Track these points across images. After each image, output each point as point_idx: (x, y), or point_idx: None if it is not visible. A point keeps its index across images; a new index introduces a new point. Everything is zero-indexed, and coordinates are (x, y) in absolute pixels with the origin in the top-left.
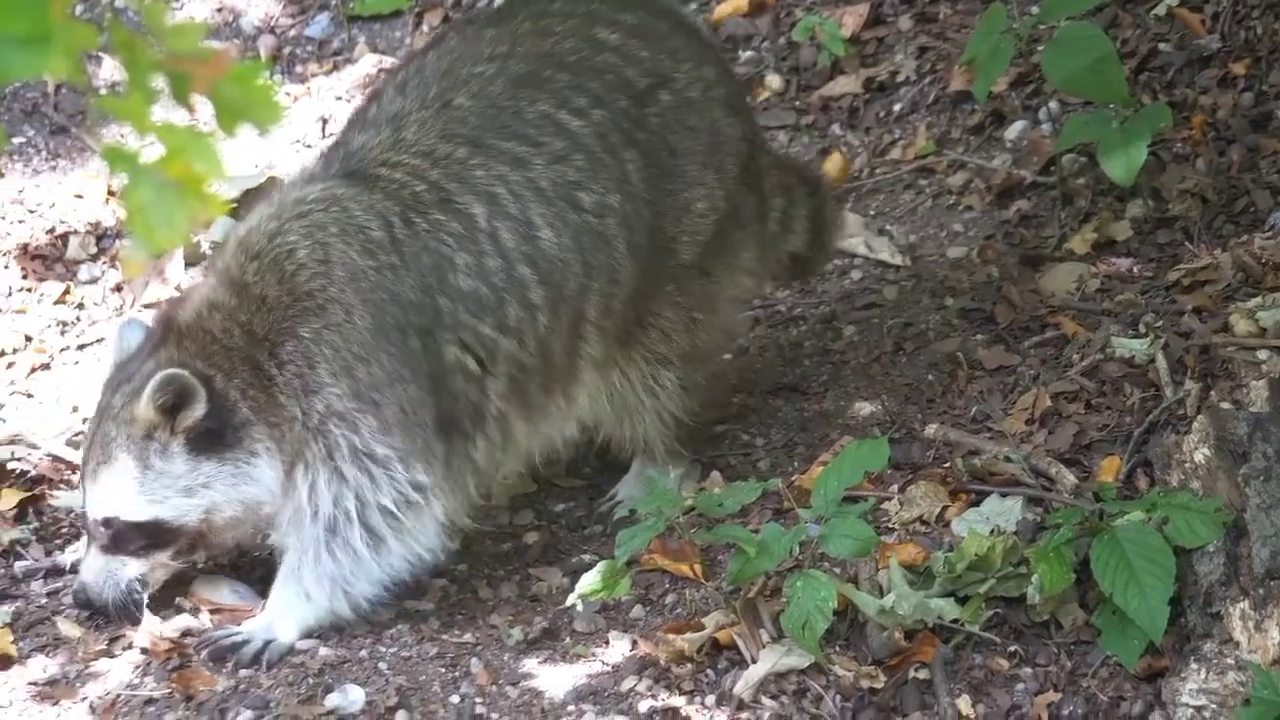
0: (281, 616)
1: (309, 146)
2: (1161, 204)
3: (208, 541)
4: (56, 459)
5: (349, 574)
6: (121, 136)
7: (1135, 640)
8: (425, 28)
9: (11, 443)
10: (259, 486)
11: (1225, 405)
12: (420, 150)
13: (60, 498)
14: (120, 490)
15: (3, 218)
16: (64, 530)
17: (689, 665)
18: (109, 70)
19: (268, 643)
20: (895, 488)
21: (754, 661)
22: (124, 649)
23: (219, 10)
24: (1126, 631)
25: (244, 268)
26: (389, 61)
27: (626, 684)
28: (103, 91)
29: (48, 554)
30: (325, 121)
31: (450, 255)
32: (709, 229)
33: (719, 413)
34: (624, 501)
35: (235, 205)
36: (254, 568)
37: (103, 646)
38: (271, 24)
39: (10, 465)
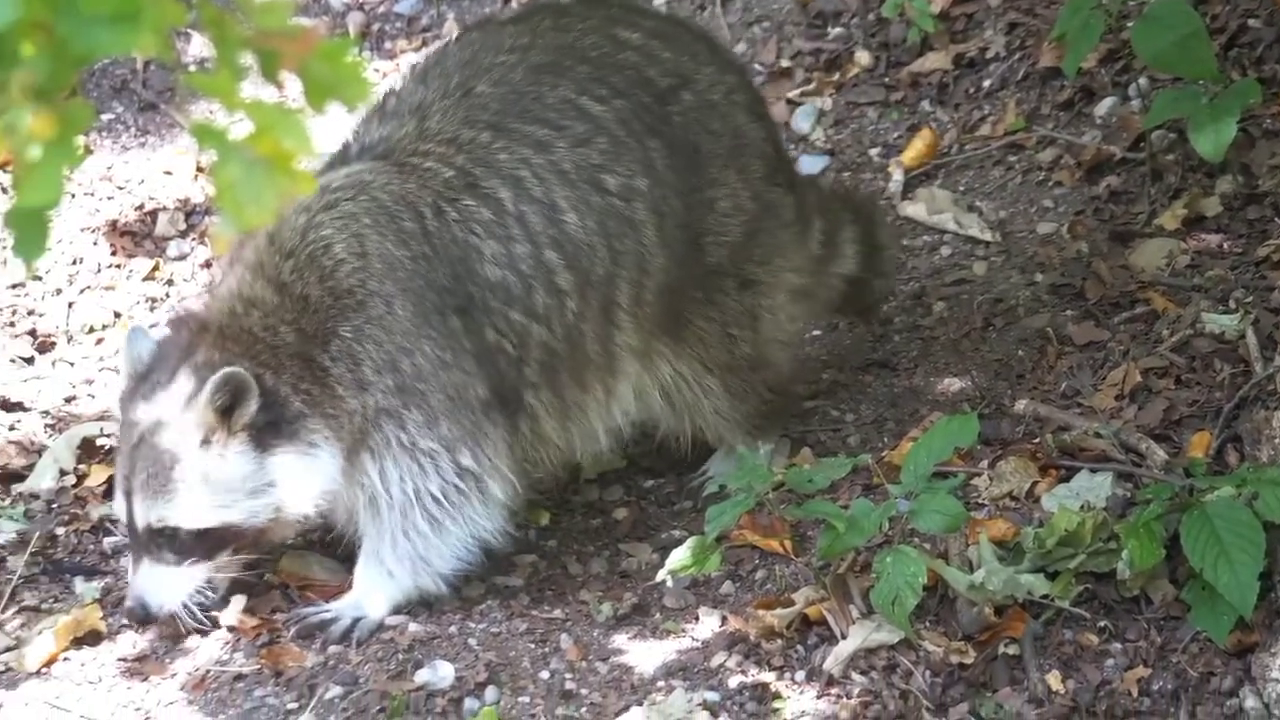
0: (369, 594)
1: None
2: (1251, 179)
3: (268, 537)
4: None
5: (424, 553)
6: (210, 113)
7: (1225, 616)
8: (514, 2)
9: (101, 419)
10: (323, 477)
11: None
12: (445, 138)
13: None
14: (185, 500)
15: (92, 194)
16: None
17: (779, 641)
18: (198, 47)
19: (357, 619)
20: (985, 463)
21: (844, 637)
22: (213, 626)
23: None
24: (1216, 607)
25: (279, 266)
26: None
27: (716, 660)
28: (191, 68)
29: None
30: None
31: (479, 245)
32: (737, 229)
33: (801, 391)
34: (714, 478)
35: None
36: (340, 543)
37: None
38: (360, 1)
39: (100, 441)
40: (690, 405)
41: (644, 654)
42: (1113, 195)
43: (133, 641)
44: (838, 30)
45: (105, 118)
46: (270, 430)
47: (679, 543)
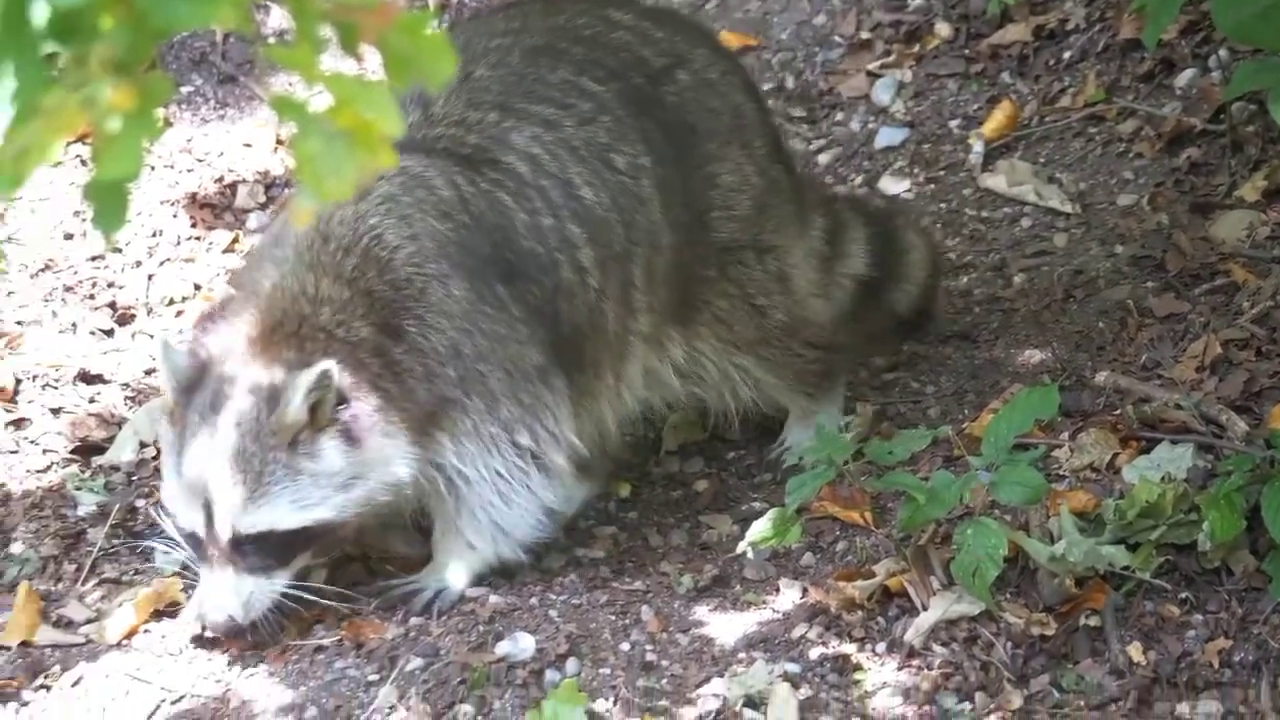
0: (451, 565)
1: None
2: None
3: (347, 533)
4: None
5: (500, 522)
6: (290, 85)
7: None
8: None
9: None
10: (404, 468)
11: None
12: (453, 120)
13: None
14: (277, 503)
15: (171, 167)
16: None
17: (859, 612)
18: (277, 19)
19: (439, 591)
20: (1066, 435)
21: (925, 608)
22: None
23: None
24: None
25: (341, 262)
26: None
27: (797, 631)
28: (271, 40)
29: None
30: None
31: (511, 215)
32: (746, 204)
33: (850, 342)
34: (791, 448)
35: None
36: (421, 515)
37: None
38: None
39: None
40: (726, 386)
41: (725, 626)
42: (1193, 167)
43: None
44: (918, 2)
45: (185, 90)
46: (353, 425)
47: (759, 514)
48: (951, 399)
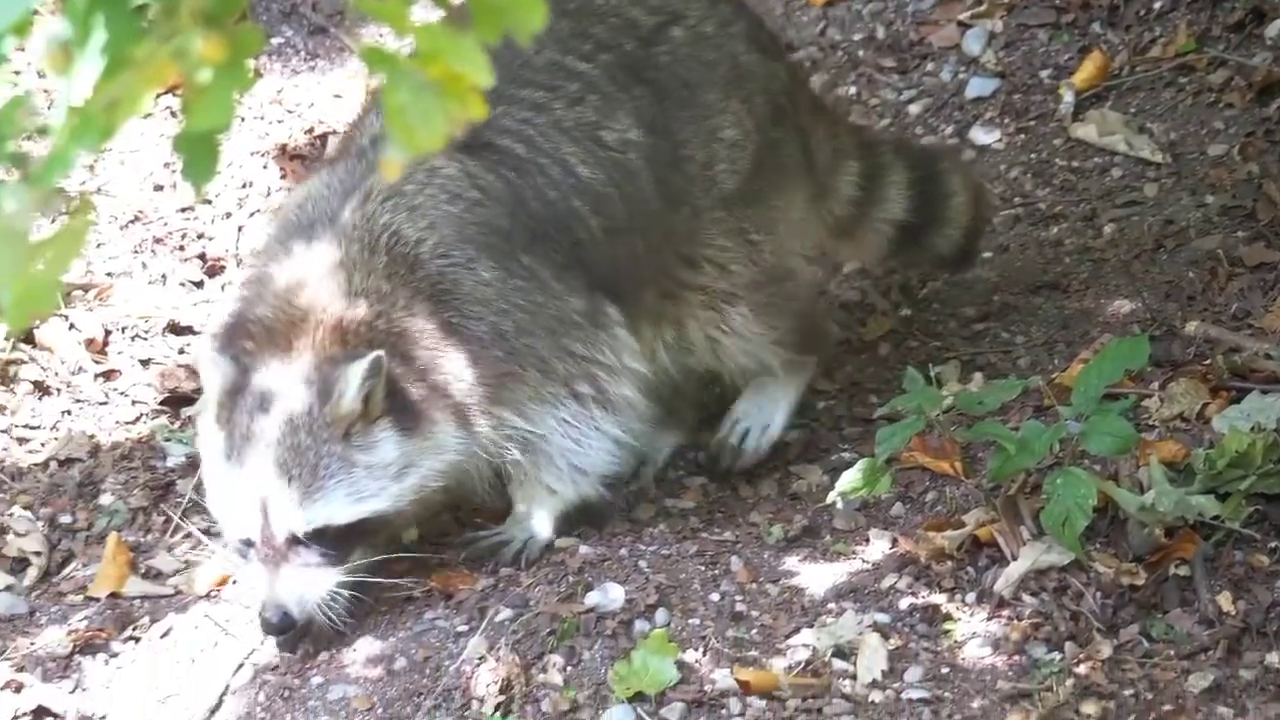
0: (534, 513)
1: None
2: None
3: (402, 522)
4: None
5: (576, 463)
6: (380, 36)
7: None
8: None
9: None
10: (456, 454)
11: None
12: None
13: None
14: (334, 497)
15: (261, 118)
16: None
17: (949, 563)
18: None
19: (526, 540)
20: (1156, 385)
21: (1014, 559)
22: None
23: None
24: None
25: (370, 260)
26: None
27: (886, 581)
28: None
29: None
30: None
31: (518, 187)
32: (747, 160)
33: (825, 322)
34: (740, 419)
35: None
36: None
37: None
38: None
39: None
40: (721, 343)
41: (814, 576)
42: None
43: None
44: None
45: (275, 42)
46: (404, 414)
47: (849, 465)
48: (1041, 349)
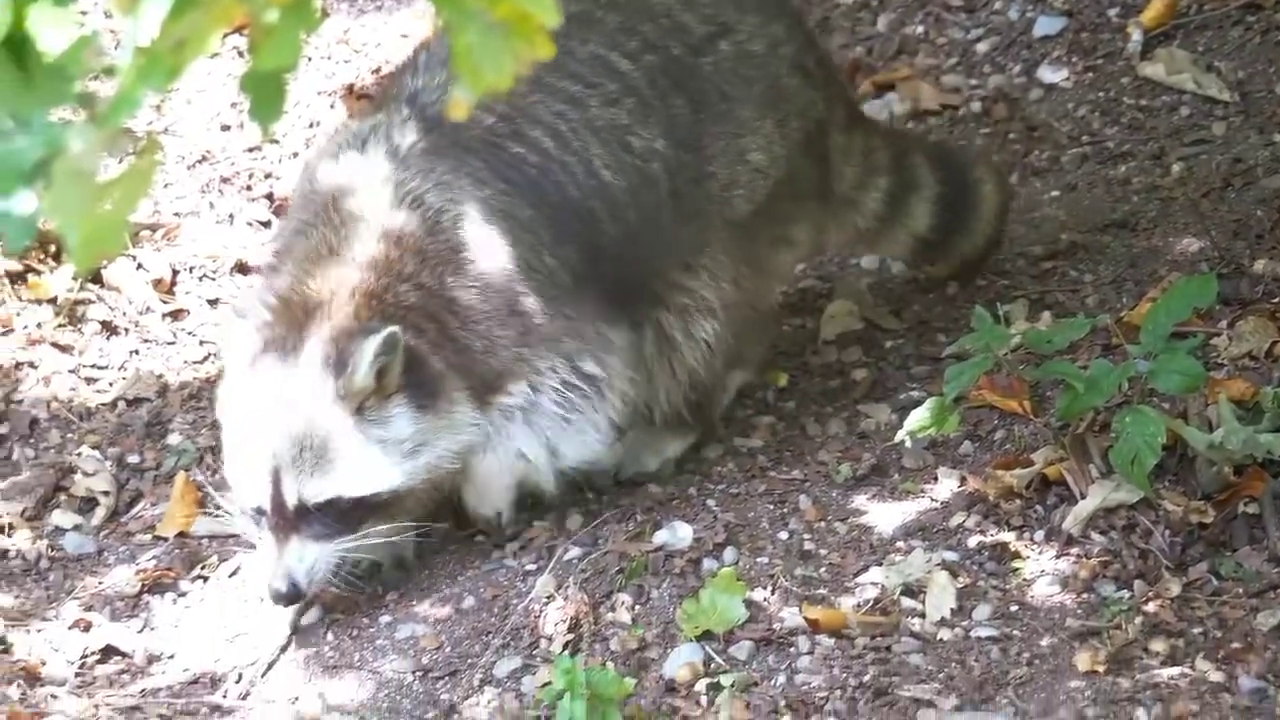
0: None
1: None
2: None
3: (415, 500)
4: None
5: (553, 440)
6: None
7: None
8: None
9: None
10: (470, 433)
11: None
12: None
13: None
14: (345, 470)
15: (328, 58)
16: None
17: (1017, 501)
18: None
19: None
20: (1224, 323)
21: (1083, 497)
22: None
23: None
24: None
25: (394, 236)
26: None
27: (955, 520)
28: None
29: None
30: None
31: (540, 182)
32: (764, 190)
33: (775, 321)
34: (627, 464)
35: None
36: None
37: None
38: None
39: None
40: (684, 355)
41: (882, 514)
42: None
43: None
44: None
45: None
46: (418, 390)
47: (917, 403)
48: (1109, 287)
